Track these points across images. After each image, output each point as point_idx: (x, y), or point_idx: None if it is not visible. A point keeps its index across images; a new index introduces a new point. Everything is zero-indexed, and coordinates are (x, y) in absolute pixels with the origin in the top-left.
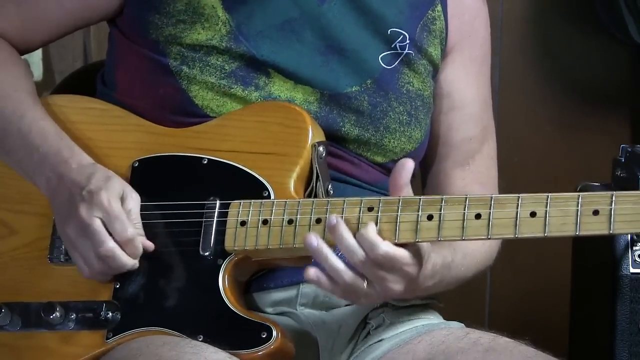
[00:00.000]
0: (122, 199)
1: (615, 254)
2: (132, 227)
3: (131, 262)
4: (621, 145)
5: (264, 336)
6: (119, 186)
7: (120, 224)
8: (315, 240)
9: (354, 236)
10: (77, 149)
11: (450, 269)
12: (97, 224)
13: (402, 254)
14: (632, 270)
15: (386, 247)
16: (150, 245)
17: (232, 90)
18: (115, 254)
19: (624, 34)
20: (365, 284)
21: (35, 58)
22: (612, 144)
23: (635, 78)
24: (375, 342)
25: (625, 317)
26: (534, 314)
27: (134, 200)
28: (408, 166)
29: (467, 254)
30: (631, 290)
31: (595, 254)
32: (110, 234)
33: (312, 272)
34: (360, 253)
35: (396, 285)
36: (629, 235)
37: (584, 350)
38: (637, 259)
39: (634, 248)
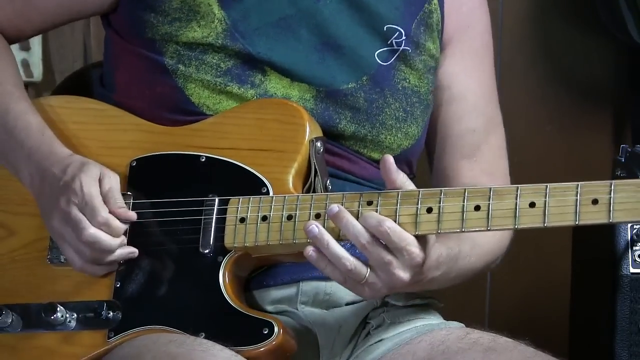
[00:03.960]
0: (100, 180)
1: (615, 253)
2: (104, 210)
3: (116, 242)
4: (621, 145)
5: (265, 332)
6: (94, 169)
7: (90, 209)
8: (316, 228)
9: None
10: (56, 144)
11: (457, 259)
12: (75, 211)
13: (407, 234)
14: (632, 270)
15: (392, 223)
16: (132, 216)
17: (228, 88)
18: (97, 239)
19: (624, 34)
20: (368, 271)
21: (35, 58)
22: (612, 144)
23: (635, 78)
24: (375, 342)
25: (625, 317)
26: (534, 314)
27: (112, 178)
28: (389, 161)
29: (476, 244)
30: (631, 290)
31: (595, 254)
32: None
33: (309, 250)
34: (365, 235)
35: (401, 272)
36: (629, 235)
37: (584, 350)
38: (637, 259)
39: (634, 248)
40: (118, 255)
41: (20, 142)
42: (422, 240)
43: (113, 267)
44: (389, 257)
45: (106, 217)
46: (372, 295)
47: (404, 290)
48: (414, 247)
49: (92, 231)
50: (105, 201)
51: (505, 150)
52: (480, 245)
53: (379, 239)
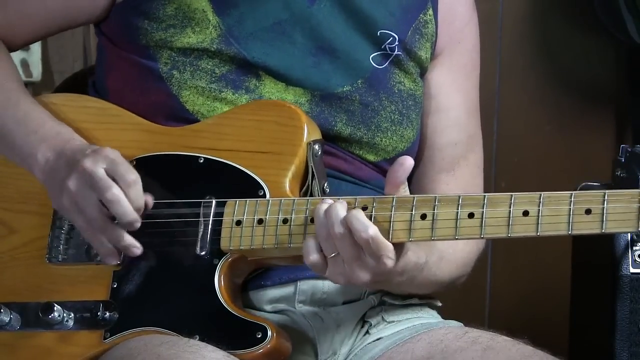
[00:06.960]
0: None
1: (615, 254)
2: (134, 173)
3: (133, 213)
4: (621, 145)
5: (259, 336)
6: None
7: (124, 168)
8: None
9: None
10: (76, 135)
11: (423, 270)
12: (102, 172)
13: (387, 242)
14: (632, 270)
15: (374, 230)
16: (149, 202)
17: (222, 94)
18: (120, 199)
19: (624, 34)
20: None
21: (35, 58)
22: (612, 144)
23: (635, 78)
24: (373, 341)
25: (625, 317)
26: (533, 314)
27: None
28: (407, 164)
29: (443, 257)
30: (631, 290)
31: (595, 254)
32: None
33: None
34: (341, 229)
35: (363, 273)
36: (629, 235)
37: (584, 350)
38: (637, 259)
39: (634, 248)
40: (127, 240)
41: (34, 130)
42: (398, 248)
43: (114, 259)
44: (364, 256)
45: (135, 179)
46: (331, 277)
47: (361, 285)
48: (388, 259)
49: (117, 191)
50: None
51: (481, 170)
52: (447, 260)
53: (359, 244)
